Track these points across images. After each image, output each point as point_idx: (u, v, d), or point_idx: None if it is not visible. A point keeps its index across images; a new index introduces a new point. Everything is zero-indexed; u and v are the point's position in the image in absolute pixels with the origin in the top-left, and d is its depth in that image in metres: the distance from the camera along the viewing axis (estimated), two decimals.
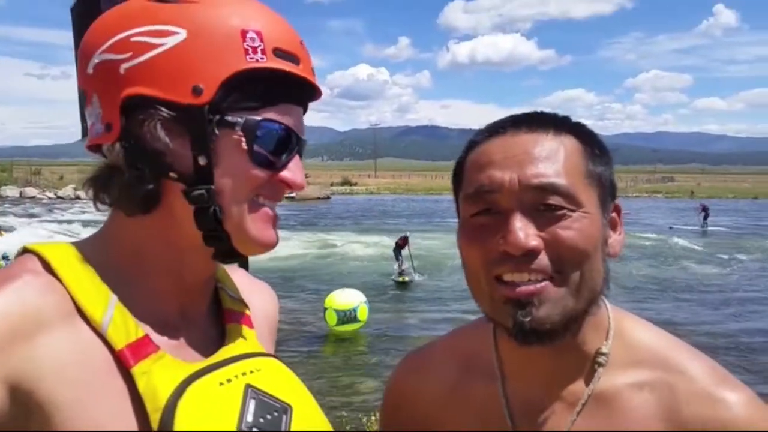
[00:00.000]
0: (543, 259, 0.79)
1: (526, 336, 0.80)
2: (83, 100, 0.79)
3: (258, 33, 0.75)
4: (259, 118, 0.75)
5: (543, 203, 0.80)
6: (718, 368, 0.87)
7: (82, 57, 0.78)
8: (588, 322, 0.87)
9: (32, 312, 0.67)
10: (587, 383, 0.88)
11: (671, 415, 0.84)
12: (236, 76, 0.73)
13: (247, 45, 0.74)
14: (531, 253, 0.79)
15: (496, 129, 0.87)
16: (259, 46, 0.74)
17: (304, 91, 0.81)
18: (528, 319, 0.79)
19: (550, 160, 0.81)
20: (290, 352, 9.43)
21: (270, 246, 0.80)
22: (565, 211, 0.80)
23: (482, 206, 0.83)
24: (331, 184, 75.22)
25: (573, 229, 0.79)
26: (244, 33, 0.74)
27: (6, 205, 37.26)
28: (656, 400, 0.85)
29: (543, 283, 0.79)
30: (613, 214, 0.88)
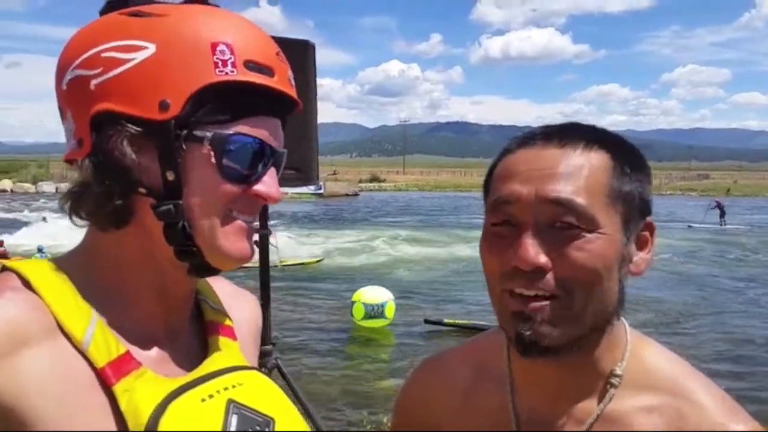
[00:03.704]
0: (550, 278, 0.79)
1: (527, 348, 0.81)
2: (60, 115, 0.80)
3: (228, 45, 0.74)
4: (229, 131, 0.74)
5: (559, 220, 0.79)
6: (728, 400, 0.86)
7: (57, 72, 0.78)
8: (603, 342, 0.87)
9: (15, 328, 0.67)
10: (599, 402, 0.87)
11: None
12: (206, 90, 0.72)
13: (217, 58, 0.73)
14: (539, 270, 0.79)
15: (528, 140, 0.87)
16: (230, 58, 0.73)
17: (280, 103, 0.80)
18: (528, 332, 0.80)
19: (573, 176, 0.80)
20: (314, 350, 9.49)
21: (244, 259, 0.79)
22: (579, 231, 0.79)
23: (501, 217, 0.83)
24: (360, 181, 75.47)
25: (585, 250, 0.79)
26: (214, 46, 0.73)
27: (42, 200, 38.24)
28: (665, 425, 0.84)
29: (547, 301, 0.79)
30: (645, 233, 0.87)
